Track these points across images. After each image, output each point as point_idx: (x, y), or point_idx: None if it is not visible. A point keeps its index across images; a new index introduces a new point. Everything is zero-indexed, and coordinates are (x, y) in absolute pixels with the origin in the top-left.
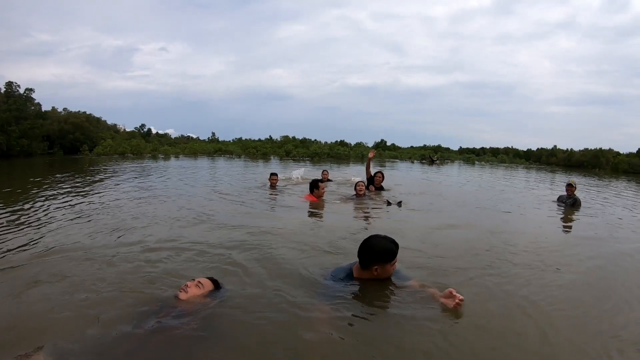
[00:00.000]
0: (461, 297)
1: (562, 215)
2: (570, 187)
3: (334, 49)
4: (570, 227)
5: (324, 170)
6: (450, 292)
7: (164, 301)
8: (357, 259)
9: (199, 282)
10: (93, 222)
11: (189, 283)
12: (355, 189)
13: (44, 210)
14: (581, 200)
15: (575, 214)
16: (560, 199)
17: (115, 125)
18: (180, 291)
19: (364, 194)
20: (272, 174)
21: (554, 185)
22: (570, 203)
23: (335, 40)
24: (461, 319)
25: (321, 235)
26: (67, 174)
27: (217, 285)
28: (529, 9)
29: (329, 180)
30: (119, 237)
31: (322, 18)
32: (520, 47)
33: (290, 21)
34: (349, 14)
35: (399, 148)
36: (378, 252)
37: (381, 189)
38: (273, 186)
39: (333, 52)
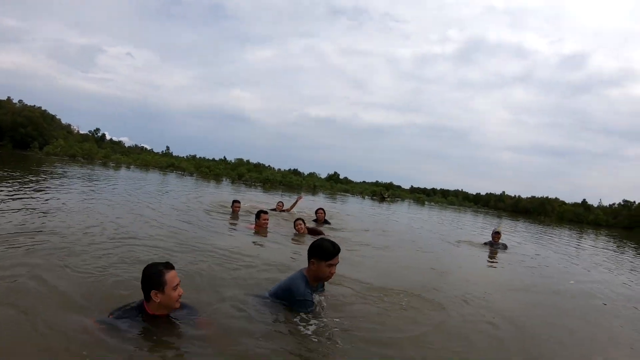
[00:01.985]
0: None
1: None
2: (497, 234)
3: (298, 78)
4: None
5: (278, 202)
6: None
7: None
8: (292, 272)
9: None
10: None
11: (180, 291)
12: (295, 227)
13: None
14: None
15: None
16: (488, 244)
17: (69, 125)
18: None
19: (305, 232)
20: (235, 201)
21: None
22: (502, 248)
23: (300, 70)
24: None
25: (261, 257)
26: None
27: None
28: (489, 59)
29: (283, 211)
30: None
31: (290, 46)
32: (478, 95)
33: (258, 45)
34: (317, 46)
35: (352, 182)
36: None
37: (326, 223)
38: (235, 213)
39: (297, 81)
